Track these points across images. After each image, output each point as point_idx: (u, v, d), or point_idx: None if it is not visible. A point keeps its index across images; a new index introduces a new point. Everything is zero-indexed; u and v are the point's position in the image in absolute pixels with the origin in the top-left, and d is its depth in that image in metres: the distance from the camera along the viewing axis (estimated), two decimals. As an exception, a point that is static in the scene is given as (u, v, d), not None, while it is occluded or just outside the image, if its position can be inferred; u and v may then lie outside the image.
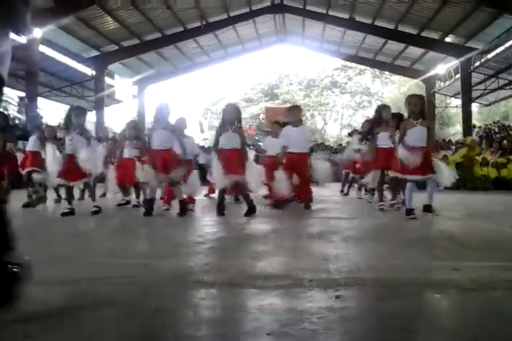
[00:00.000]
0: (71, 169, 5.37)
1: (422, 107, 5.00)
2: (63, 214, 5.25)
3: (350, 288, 2.02)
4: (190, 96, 69.96)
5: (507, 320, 1.69)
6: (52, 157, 6.08)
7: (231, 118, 5.40)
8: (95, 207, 5.46)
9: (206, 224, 4.67)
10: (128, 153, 6.56)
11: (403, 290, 2.00)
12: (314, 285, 2.06)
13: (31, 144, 6.83)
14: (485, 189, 11.35)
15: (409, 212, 4.85)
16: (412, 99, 5.04)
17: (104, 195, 7.97)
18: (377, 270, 2.41)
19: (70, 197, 5.58)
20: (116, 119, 24.65)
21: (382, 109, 6.06)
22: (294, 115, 6.31)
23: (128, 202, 6.63)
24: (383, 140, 5.80)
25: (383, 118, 5.86)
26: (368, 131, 6.11)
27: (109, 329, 1.61)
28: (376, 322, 1.66)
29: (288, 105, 31.24)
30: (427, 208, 4.90)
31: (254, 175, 5.34)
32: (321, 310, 1.69)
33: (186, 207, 5.43)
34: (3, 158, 6.40)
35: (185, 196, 5.60)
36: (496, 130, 18.78)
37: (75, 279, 1.80)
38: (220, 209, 5.29)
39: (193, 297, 1.92)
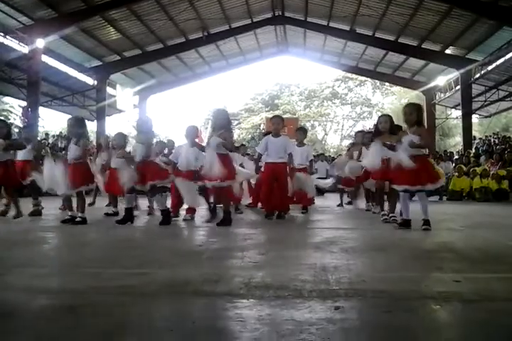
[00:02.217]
0: (70, 177, 5.35)
1: (417, 116, 4.80)
2: (63, 222, 5.29)
3: (350, 299, 1.99)
4: (190, 106, 70.29)
5: (508, 332, 1.66)
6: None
7: (217, 124, 5.33)
8: (80, 217, 5.37)
9: (204, 233, 4.64)
10: (115, 162, 6.46)
11: (404, 302, 1.97)
12: (313, 295, 2.03)
13: (26, 154, 6.72)
14: (486, 200, 11.33)
15: (406, 222, 4.79)
16: (408, 109, 4.86)
17: (92, 203, 8.16)
18: (378, 281, 2.38)
19: (70, 205, 5.56)
20: (117, 129, 24.68)
21: (378, 119, 6.01)
22: (274, 125, 6.15)
23: (116, 214, 6.45)
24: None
25: (379, 129, 5.78)
26: (370, 141, 6.02)
27: (107, 338, 1.59)
28: (377, 334, 1.64)
29: (288, 116, 31.17)
30: (426, 223, 4.72)
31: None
32: (320, 321, 1.67)
33: (169, 217, 5.36)
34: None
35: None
36: (496, 141, 18.82)
37: (72, 289, 1.78)
38: (213, 214, 5.68)
39: (190, 307, 1.90)
